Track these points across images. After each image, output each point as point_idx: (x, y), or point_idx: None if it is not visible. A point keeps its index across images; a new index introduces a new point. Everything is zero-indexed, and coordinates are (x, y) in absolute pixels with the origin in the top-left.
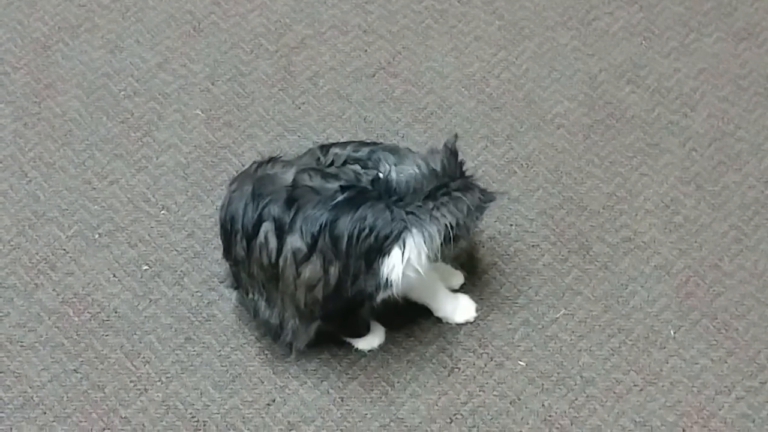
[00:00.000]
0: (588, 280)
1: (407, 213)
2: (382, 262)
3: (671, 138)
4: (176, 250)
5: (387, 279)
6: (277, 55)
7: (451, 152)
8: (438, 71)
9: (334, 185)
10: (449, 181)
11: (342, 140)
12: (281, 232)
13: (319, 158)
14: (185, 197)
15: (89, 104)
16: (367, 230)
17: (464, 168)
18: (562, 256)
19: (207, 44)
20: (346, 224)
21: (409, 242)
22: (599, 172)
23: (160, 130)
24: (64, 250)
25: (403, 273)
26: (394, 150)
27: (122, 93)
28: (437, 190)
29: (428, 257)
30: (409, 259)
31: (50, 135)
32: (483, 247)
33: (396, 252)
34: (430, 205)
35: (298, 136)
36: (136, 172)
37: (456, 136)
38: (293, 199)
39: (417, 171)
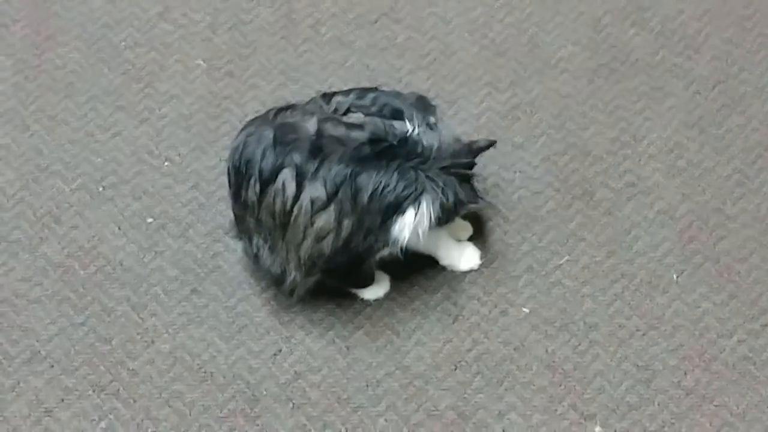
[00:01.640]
0: (591, 225)
1: (427, 177)
2: (395, 221)
3: (675, 81)
4: (180, 202)
5: (396, 237)
6: (278, 2)
7: (476, 149)
8: (441, 16)
9: (359, 135)
10: (462, 163)
11: (345, 88)
12: (302, 179)
13: (321, 107)
14: (188, 149)
15: (90, 56)
16: (390, 187)
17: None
18: (566, 202)
19: None
20: (371, 178)
21: (423, 205)
22: (603, 117)
23: (162, 81)
24: (69, 203)
25: (411, 233)
26: (396, 95)
27: (123, 43)
28: (452, 166)
29: (435, 221)
30: (419, 221)
31: (51, 87)
32: (487, 194)
33: (410, 212)
34: (445, 176)
35: (301, 86)
36: (139, 123)
37: (493, 142)
38: (318, 148)
39: (440, 141)
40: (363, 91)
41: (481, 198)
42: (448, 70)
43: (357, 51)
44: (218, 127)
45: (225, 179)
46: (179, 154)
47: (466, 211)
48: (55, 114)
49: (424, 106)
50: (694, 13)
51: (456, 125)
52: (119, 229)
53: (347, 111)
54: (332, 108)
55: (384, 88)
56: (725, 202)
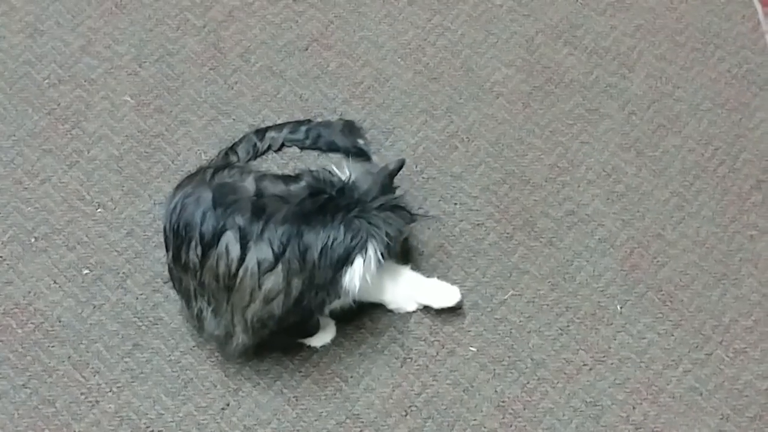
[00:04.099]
0: (534, 257)
1: (369, 223)
2: (345, 272)
3: (610, 102)
4: (116, 251)
5: (347, 288)
6: (204, 30)
7: (392, 173)
8: (372, 41)
9: (299, 190)
10: (390, 195)
11: (278, 122)
12: (246, 241)
13: (255, 144)
14: (121, 193)
15: (12, 95)
16: (339, 240)
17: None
18: (508, 233)
19: (131, 22)
20: (318, 234)
21: (370, 251)
22: (540, 142)
23: (89, 121)
24: (1, 257)
25: (361, 281)
26: (327, 125)
27: (46, 81)
28: (386, 202)
29: (379, 262)
30: (367, 266)
31: None
32: (428, 228)
33: (358, 261)
34: (382, 213)
35: (233, 120)
36: (68, 168)
37: (403, 162)
38: (261, 208)
39: (370, 181)
40: (296, 125)
41: (416, 214)
42: (383, 98)
43: (289, 80)
44: (150, 168)
45: (160, 224)
46: (112, 199)
47: (408, 232)
48: None
49: (351, 130)
50: (626, 29)
51: (393, 156)
52: (55, 282)
53: (282, 146)
54: (266, 145)
55: (317, 119)
56: (665, 227)
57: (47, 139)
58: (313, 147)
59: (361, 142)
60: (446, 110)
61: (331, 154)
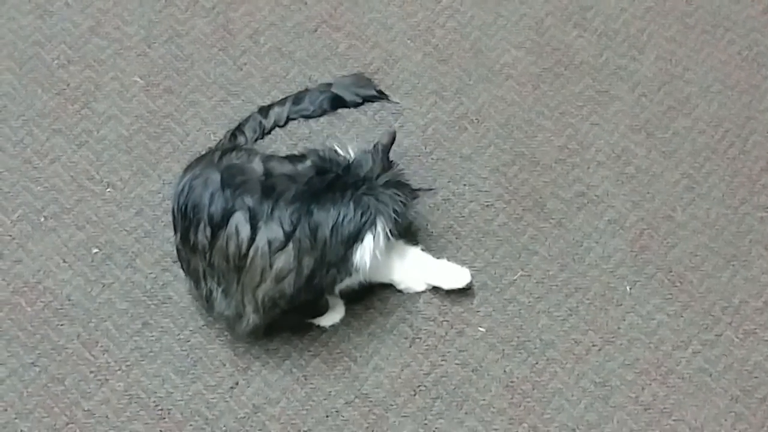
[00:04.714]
0: (543, 238)
1: (377, 200)
2: (355, 250)
3: (620, 84)
4: (125, 230)
5: (357, 265)
6: (214, 11)
7: (385, 148)
8: (382, 22)
9: (305, 167)
10: (393, 171)
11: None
12: (256, 221)
13: (260, 122)
14: (130, 173)
15: (22, 76)
16: (349, 218)
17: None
18: (517, 214)
19: (140, 2)
20: (328, 212)
21: (379, 227)
22: (550, 124)
23: (99, 101)
24: (10, 236)
25: (371, 258)
26: (327, 85)
27: (56, 62)
28: (390, 179)
29: (388, 238)
30: (377, 243)
31: None
32: (438, 210)
33: (368, 238)
34: (388, 190)
35: (242, 100)
36: (77, 147)
37: (394, 133)
38: (271, 187)
39: (372, 160)
40: (297, 97)
41: (420, 188)
42: (392, 80)
43: (298, 62)
44: (159, 148)
45: (169, 204)
46: (121, 179)
47: (415, 207)
48: None
49: (359, 82)
50: (636, 11)
51: (403, 137)
52: (64, 261)
53: (287, 121)
54: (271, 122)
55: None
56: (675, 209)
57: (57, 119)
58: (320, 112)
59: (373, 90)
60: (456, 92)
61: (338, 126)
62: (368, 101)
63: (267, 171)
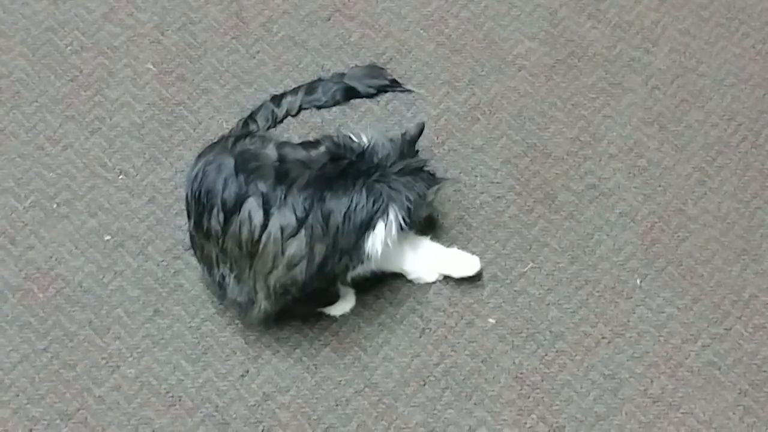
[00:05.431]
0: (554, 230)
1: (390, 188)
2: (367, 237)
3: (633, 76)
4: (138, 218)
5: (368, 253)
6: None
7: (412, 139)
8: (395, 12)
9: (319, 153)
10: (410, 159)
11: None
12: (269, 207)
13: (273, 111)
14: (143, 160)
15: (35, 62)
16: (361, 205)
17: (417, 149)
18: (528, 206)
19: None
20: (340, 199)
21: (391, 215)
22: (562, 115)
23: (111, 88)
24: (23, 222)
25: (383, 246)
26: (340, 76)
27: (69, 48)
28: (406, 167)
29: (400, 228)
30: (388, 231)
31: None
32: (449, 201)
33: (380, 225)
34: (403, 178)
35: (255, 89)
36: (90, 134)
37: (423, 125)
38: (285, 173)
39: (390, 147)
40: (310, 87)
41: (441, 178)
42: (405, 69)
43: (311, 50)
44: (172, 136)
45: (182, 192)
46: (133, 166)
47: (433, 197)
48: (4, 126)
49: (373, 72)
50: (651, 3)
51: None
52: (76, 248)
53: (299, 110)
54: (284, 111)
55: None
56: (686, 202)
57: (69, 106)
58: (332, 103)
59: (385, 81)
60: (468, 82)
61: (351, 115)
62: (382, 92)
63: (281, 157)
